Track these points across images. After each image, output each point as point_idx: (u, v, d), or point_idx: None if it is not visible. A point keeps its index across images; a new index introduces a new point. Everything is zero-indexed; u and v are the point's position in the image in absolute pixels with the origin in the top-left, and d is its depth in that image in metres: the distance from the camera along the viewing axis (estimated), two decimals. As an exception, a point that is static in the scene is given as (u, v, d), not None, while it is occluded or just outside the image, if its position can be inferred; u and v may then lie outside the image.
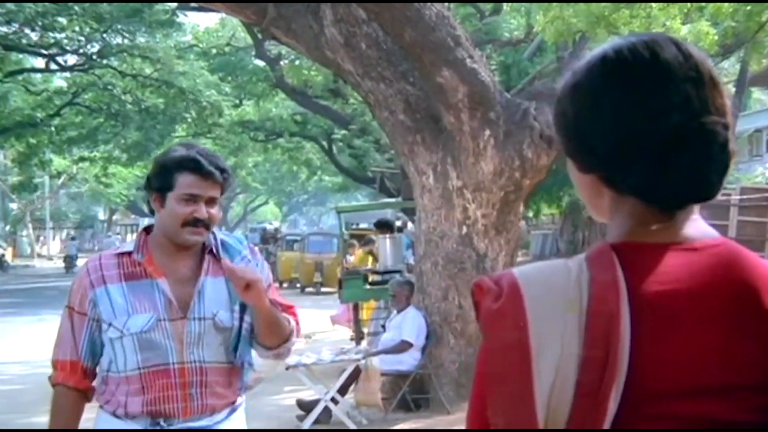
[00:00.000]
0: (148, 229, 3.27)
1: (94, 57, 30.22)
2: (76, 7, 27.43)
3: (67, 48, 30.32)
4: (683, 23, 12.96)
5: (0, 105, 32.29)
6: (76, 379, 3.16)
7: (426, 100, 9.24)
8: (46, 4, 26.53)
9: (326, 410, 9.24)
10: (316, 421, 9.18)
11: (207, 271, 3.16)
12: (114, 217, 73.58)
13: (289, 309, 3.30)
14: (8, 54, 30.07)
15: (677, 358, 1.26)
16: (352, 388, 9.51)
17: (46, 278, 37.88)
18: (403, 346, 9.38)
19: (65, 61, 32.03)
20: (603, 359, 1.23)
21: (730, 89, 18.82)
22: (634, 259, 1.30)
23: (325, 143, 32.77)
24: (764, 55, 17.27)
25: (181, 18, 29.28)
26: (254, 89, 31.56)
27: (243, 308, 3.16)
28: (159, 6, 27.34)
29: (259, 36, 22.95)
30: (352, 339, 13.07)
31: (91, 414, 3.23)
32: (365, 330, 13.03)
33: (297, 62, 26.13)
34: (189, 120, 32.19)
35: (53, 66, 32.08)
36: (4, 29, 28.20)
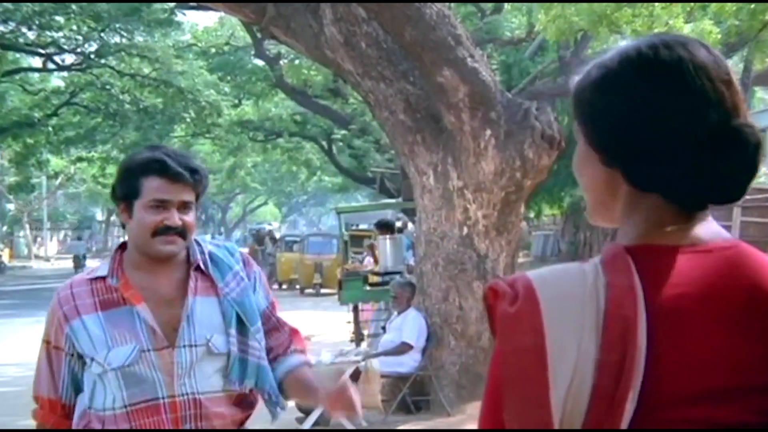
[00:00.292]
0: (123, 247, 2.97)
1: (92, 56, 30.23)
2: (74, 6, 27.44)
3: (65, 47, 30.34)
4: (686, 22, 12.98)
5: (-3, 105, 32.33)
6: (56, 420, 2.93)
7: (426, 100, 9.25)
8: (44, 3, 26.52)
9: (326, 412, 9.23)
10: (315, 424, 9.18)
11: (195, 291, 2.85)
12: (112, 218, 73.57)
13: (295, 335, 3.09)
14: (5, 53, 30.10)
15: (691, 362, 1.26)
16: (351, 390, 9.49)
17: (44, 279, 37.85)
18: (404, 348, 9.38)
19: (63, 61, 32.05)
20: (620, 363, 1.23)
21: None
22: (649, 263, 1.31)
23: (324, 143, 32.77)
24: (768, 54, 17.27)
25: (179, 17, 29.27)
26: (253, 89, 31.55)
27: (243, 332, 2.87)
28: (157, 5, 27.34)
29: (259, 35, 22.95)
30: (351, 340, 13.07)
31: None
32: (365, 331, 13.04)
33: (296, 61, 26.15)
34: (188, 120, 32.22)
35: (50, 65, 32.08)
36: (1, 28, 28.23)
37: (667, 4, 12.72)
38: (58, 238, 73.34)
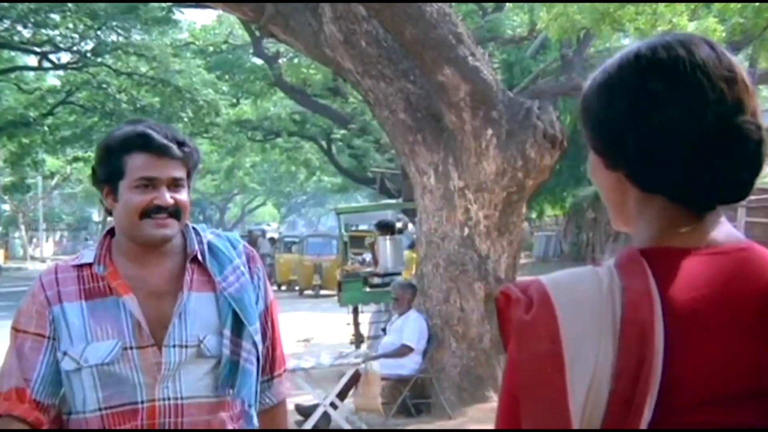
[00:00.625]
0: (112, 233, 2.69)
1: (88, 55, 30.21)
2: (70, 4, 27.43)
3: (61, 45, 30.31)
4: (690, 20, 12.97)
5: (-8, 104, 32.33)
6: (24, 409, 2.49)
7: (427, 99, 9.26)
8: (39, 1, 26.52)
9: (325, 415, 9.24)
10: (315, 425, 9.19)
11: (190, 285, 2.58)
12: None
13: (279, 357, 2.82)
14: (0, 52, 30.08)
15: (709, 366, 1.26)
16: (351, 392, 9.52)
17: (39, 281, 37.78)
18: (404, 350, 9.38)
19: (58, 59, 32.03)
20: (637, 369, 1.23)
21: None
22: (664, 266, 1.31)
23: (324, 143, 32.80)
24: (773, 53, 17.26)
25: (177, 15, 29.25)
26: (252, 88, 31.57)
27: (238, 332, 2.60)
28: (154, 3, 27.34)
29: (257, 33, 22.98)
30: (351, 342, 13.08)
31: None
32: (365, 333, 13.05)
33: (295, 60, 26.13)
34: (185, 119, 32.17)
35: (46, 64, 32.05)
36: (-4, 26, 28.23)
37: (671, 2, 12.72)
38: (54, 238, 73.33)
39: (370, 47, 9.20)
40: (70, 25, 29.10)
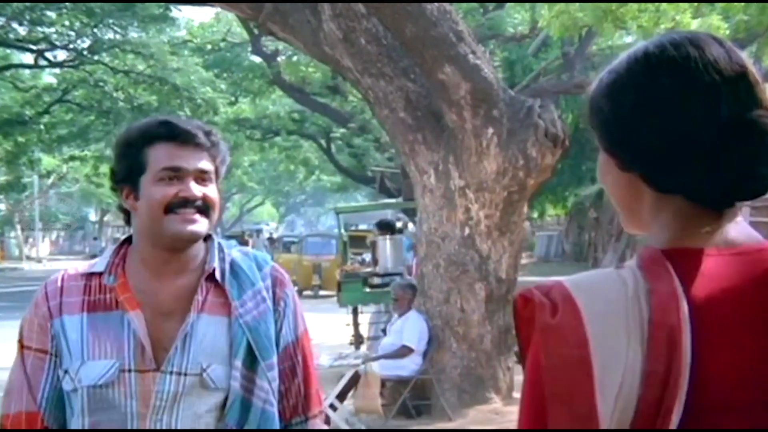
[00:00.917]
0: (131, 240, 2.44)
1: (85, 52, 30.21)
2: (66, 2, 27.44)
3: (57, 43, 30.30)
4: (693, 17, 12.99)
5: (-13, 102, 32.32)
6: None
7: (427, 98, 9.26)
8: (35, -1, 26.54)
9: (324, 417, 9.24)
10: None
11: (201, 306, 2.32)
12: (105, 219, 73.59)
13: (313, 395, 2.48)
14: (-5, 49, 30.13)
15: (736, 368, 1.26)
16: (351, 394, 9.52)
17: (36, 281, 37.76)
18: (404, 351, 9.39)
19: (55, 57, 32.03)
20: (666, 373, 1.22)
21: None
22: (687, 267, 1.30)
23: (323, 142, 32.83)
24: (777, 51, 17.28)
25: (174, 13, 29.26)
26: (250, 86, 31.60)
27: (252, 366, 2.31)
28: (152, 0, 27.33)
29: (256, 31, 23.00)
30: (351, 343, 13.09)
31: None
32: (364, 334, 13.06)
33: (294, 58, 26.18)
34: (183, 118, 32.22)
35: (42, 62, 32.04)
36: (-8, 24, 28.23)
37: (674, -1, 12.75)
38: (50, 238, 73.35)
39: (369, 45, 9.21)
40: (67, 23, 29.10)
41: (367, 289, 12.31)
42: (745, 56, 1.37)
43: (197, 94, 29.81)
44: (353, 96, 25.00)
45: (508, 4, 22.26)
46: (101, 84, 31.19)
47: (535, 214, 34.39)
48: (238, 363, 2.28)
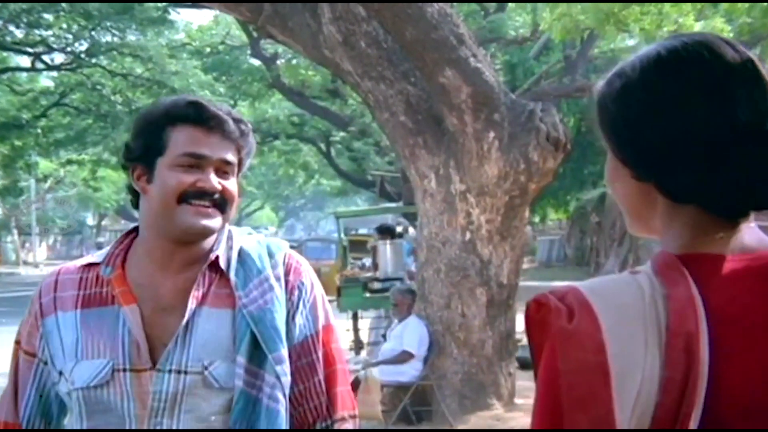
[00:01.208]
0: (136, 231, 2.28)
1: (83, 56, 30.21)
2: (64, 4, 27.44)
3: (54, 46, 30.30)
4: (696, 20, 13.00)
5: (-16, 106, 32.33)
6: None
7: (428, 101, 9.27)
8: (32, 0, 26.54)
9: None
10: None
11: (202, 298, 2.15)
12: (103, 223, 73.60)
13: (339, 408, 2.26)
14: (-8, 52, 30.13)
15: (754, 374, 1.25)
16: (351, 400, 9.51)
17: (33, 286, 37.49)
18: (404, 357, 9.39)
19: (52, 60, 32.03)
20: (684, 380, 1.21)
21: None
22: (703, 273, 1.29)
23: (323, 146, 32.83)
24: (780, 54, 17.30)
25: (173, 15, 29.26)
26: (249, 89, 31.59)
27: (258, 361, 2.13)
28: (150, 3, 27.36)
29: (255, 34, 23.02)
30: (351, 349, 13.09)
31: None
32: (364, 339, 13.06)
33: (294, 61, 26.19)
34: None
35: (39, 65, 32.05)
36: (-12, 27, 28.25)
37: (677, 2, 12.75)
38: (47, 243, 73.28)
39: (369, 48, 9.22)
40: (64, 26, 29.11)
41: (367, 294, 12.32)
42: (757, 59, 1.36)
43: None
44: (353, 99, 25.04)
45: (510, 7, 22.28)
46: (99, 87, 31.18)
47: (537, 219, 34.39)
48: (242, 359, 2.10)
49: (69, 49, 30.52)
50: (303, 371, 2.21)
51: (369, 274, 13.25)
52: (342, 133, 28.54)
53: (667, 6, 12.71)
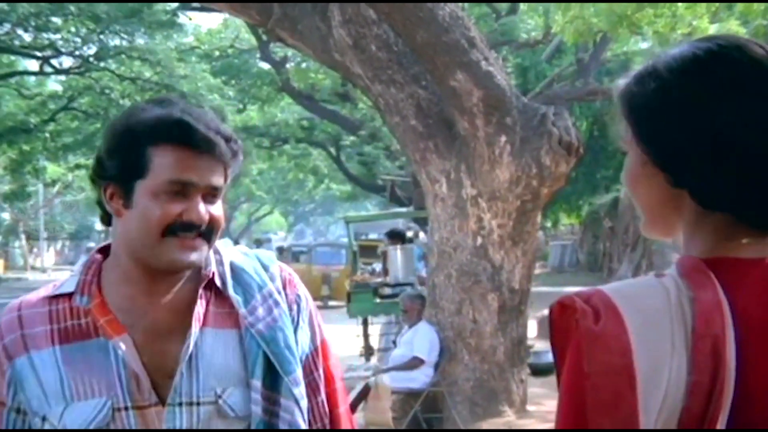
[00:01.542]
0: (103, 252, 2.08)
1: (91, 59, 30.30)
2: (72, 7, 27.51)
3: (62, 50, 30.39)
4: (711, 22, 12.96)
5: (-8, 110, 32.43)
6: None
7: (439, 105, 9.27)
8: (40, 3, 26.62)
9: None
10: None
11: (204, 319, 1.98)
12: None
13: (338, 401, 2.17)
14: (0, 56, 30.19)
15: None
16: (361, 406, 9.52)
17: (40, 292, 37.79)
18: (415, 363, 9.39)
19: (60, 64, 32.13)
20: (711, 385, 1.21)
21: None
22: (729, 276, 1.28)
23: (332, 150, 32.82)
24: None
25: (182, 19, 29.34)
26: (259, 93, 31.64)
27: (273, 385, 1.98)
28: (159, 6, 27.42)
29: (264, 37, 23.06)
30: (361, 355, 13.09)
31: None
32: (375, 346, 13.06)
33: (303, 65, 26.23)
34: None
35: (47, 69, 32.13)
36: (-3, 30, 28.34)
37: (691, 3, 12.72)
38: (55, 248, 73.48)
39: (380, 52, 9.22)
40: (72, 29, 29.18)
41: (378, 300, 12.31)
42: None
43: (205, 102, 29.80)
44: (363, 103, 25.02)
45: (521, 10, 22.26)
46: (107, 91, 31.26)
47: (549, 224, 34.36)
48: (257, 383, 1.95)
49: (77, 52, 30.61)
50: (306, 391, 2.07)
51: (379, 280, 13.25)
52: (352, 137, 28.53)
53: (681, 8, 12.68)
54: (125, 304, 1.96)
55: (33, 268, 59.98)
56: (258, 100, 32.50)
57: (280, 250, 36.49)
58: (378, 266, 16.60)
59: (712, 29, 12.49)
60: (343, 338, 15.46)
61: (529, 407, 9.59)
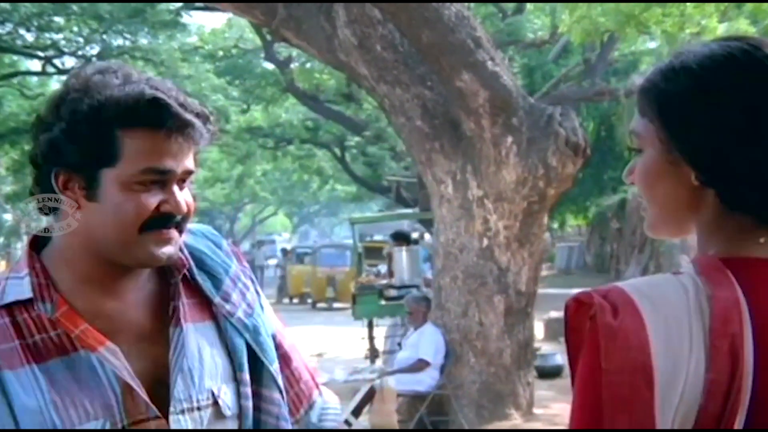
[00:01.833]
0: (36, 245, 1.81)
1: (94, 59, 30.31)
2: (75, 7, 27.56)
3: (65, 50, 30.42)
4: (720, 22, 12.94)
5: (-6, 110, 32.47)
6: None
7: (444, 106, 9.28)
8: (43, 3, 26.66)
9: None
10: None
11: (184, 315, 1.79)
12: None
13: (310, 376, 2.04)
14: (2, 56, 30.23)
15: None
16: (366, 409, 9.52)
17: (43, 293, 37.83)
18: (420, 365, 9.39)
19: (63, 64, 32.11)
20: (728, 384, 1.21)
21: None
22: (747, 275, 1.29)
23: (337, 150, 32.79)
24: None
25: (185, 18, 29.38)
26: (263, 94, 31.64)
27: (257, 374, 1.85)
28: (162, 5, 27.45)
29: (269, 37, 23.03)
30: (366, 357, 13.09)
31: None
32: (380, 348, 13.06)
33: (308, 65, 26.22)
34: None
35: (50, 69, 32.18)
36: (-1, 30, 28.38)
37: (700, 3, 12.70)
38: (57, 250, 73.50)
39: (385, 52, 9.23)
40: (75, 29, 29.22)
41: (383, 302, 12.31)
42: None
43: (209, 102, 29.80)
44: (368, 104, 25.02)
45: (528, 9, 22.24)
46: (110, 91, 31.23)
47: (556, 225, 34.32)
48: (246, 376, 1.82)
49: (80, 52, 30.63)
50: (283, 359, 1.94)
51: (384, 281, 13.24)
52: (357, 138, 28.52)
53: (689, 8, 12.66)
54: (92, 307, 1.73)
55: (35, 269, 59.90)
56: (262, 101, 32.48)
57: (285, 252, 36.55)
58: (383, 268, 16.62)
59: (721, 29, 12.48)
60: (348, 340, 15.50)
61: (536, 410, 9.59)
